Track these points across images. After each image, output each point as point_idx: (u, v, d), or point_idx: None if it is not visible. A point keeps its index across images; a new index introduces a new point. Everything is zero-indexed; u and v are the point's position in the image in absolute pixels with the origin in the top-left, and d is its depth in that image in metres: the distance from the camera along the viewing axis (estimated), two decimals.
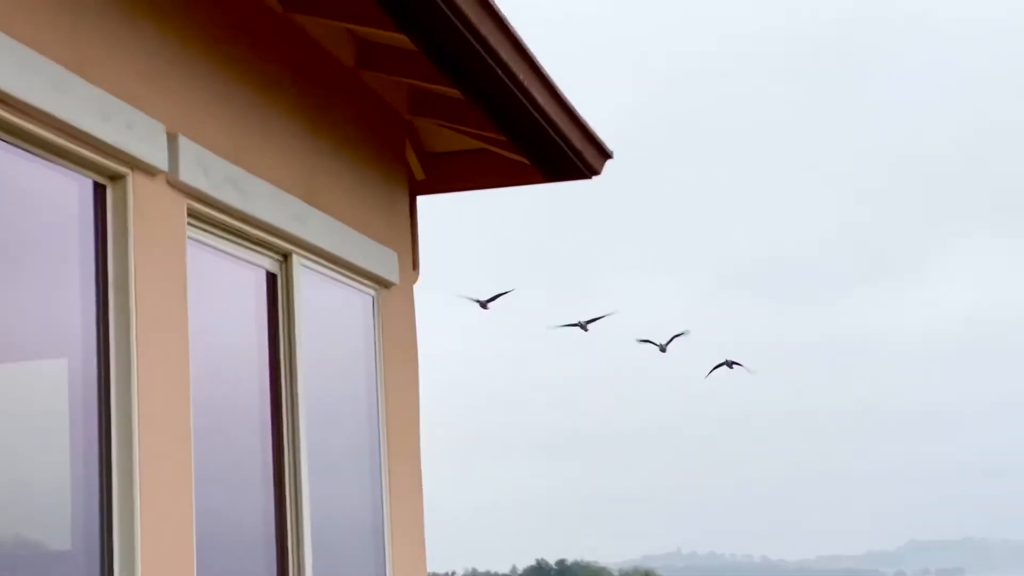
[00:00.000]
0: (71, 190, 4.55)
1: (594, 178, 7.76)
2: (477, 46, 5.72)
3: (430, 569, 7.32)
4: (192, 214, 5.12)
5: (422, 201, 8.01)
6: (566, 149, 7.16)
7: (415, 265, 7.61)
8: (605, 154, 7.70)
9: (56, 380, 4.63)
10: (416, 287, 7.51)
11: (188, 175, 4.95)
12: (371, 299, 6.75)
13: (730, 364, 25.86)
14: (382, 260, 6.72)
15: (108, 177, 4.62)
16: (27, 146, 4.24)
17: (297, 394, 5.80)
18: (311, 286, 6.07)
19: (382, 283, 6.77)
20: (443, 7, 5.31)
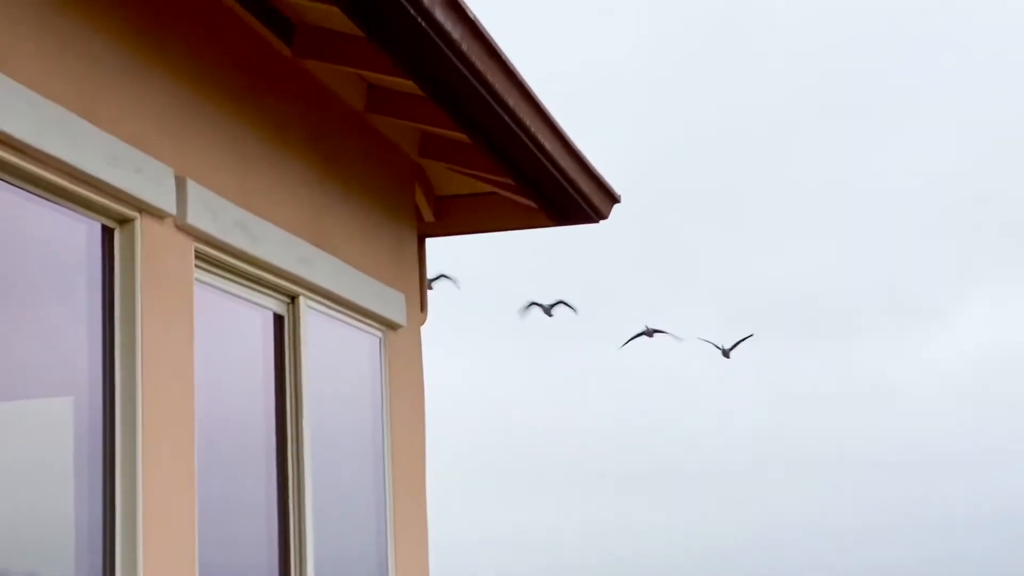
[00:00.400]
0: (80, 233, 4.62)
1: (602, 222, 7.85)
2: (484, 93, 5.79)
3: None
4: (200, 256, 5.18)
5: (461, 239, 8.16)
6: (574, 194, 7.23)
7: (423, 306, 7.68)
8: (613, 199, 7.77)
9: (62, 418, 4.69)
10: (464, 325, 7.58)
11: (196, 218, 5.02)
12: (378, 340, 6.81)
13: (650, 333, 23.67)
14: (389, 302, 6.78)
15: (117, 220, 4.69)
16: (38, 190, 4.32)
17: (303, 435, 5.85)
18: (318, 327, 6.13)
19: (389, 325, 6.83)
20: (451, 55, 5.38)
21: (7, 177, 4.17)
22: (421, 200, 7.77)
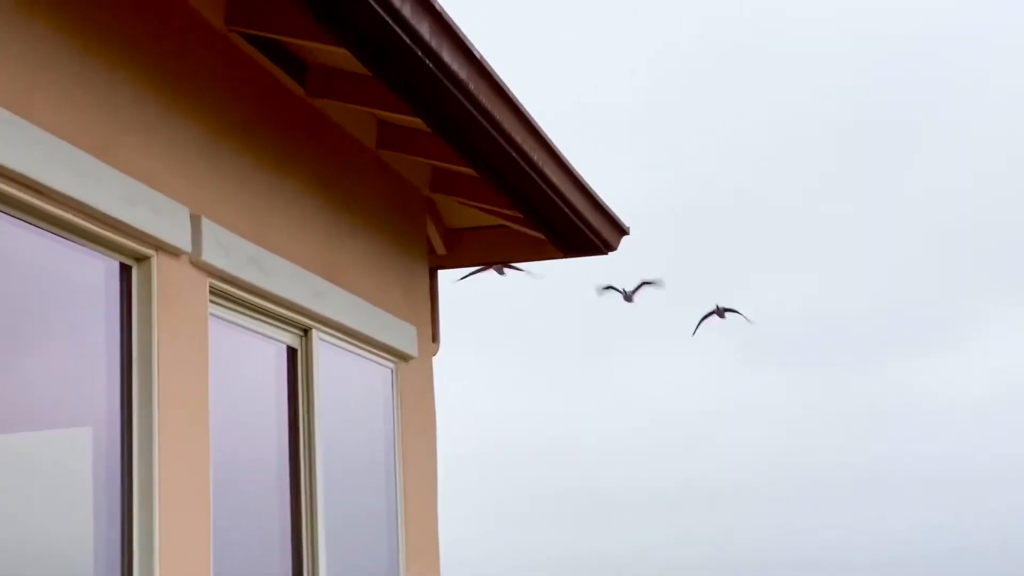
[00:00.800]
0: (99, 270, 4.76)
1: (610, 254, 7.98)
2: (492, 131, 5.93)
3: None
4: (215, 292, 5.33)
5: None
6: (582, 227, 7.37)
7: (435, 337, 7.81)
8: (622, 231, 7.90)
9: (81, 448, 4.84)
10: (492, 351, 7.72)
11: (210, 255, 5.17)
12: (390, 372, 6.94)
13: (721, 312, 21.91)
14: (401, 334, 6.92)
15: (133, 258, 4.84)
16: (57, 230, 4.47)
17: (316, 465, 5.98)
18: (331, 359, 6.27)
19: (401, 356, 6.97)
20: (458, 95, 5.53)
21: (28, 218, 4.32)
22: (433, 233, 7.92)
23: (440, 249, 8.09)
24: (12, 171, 4.10)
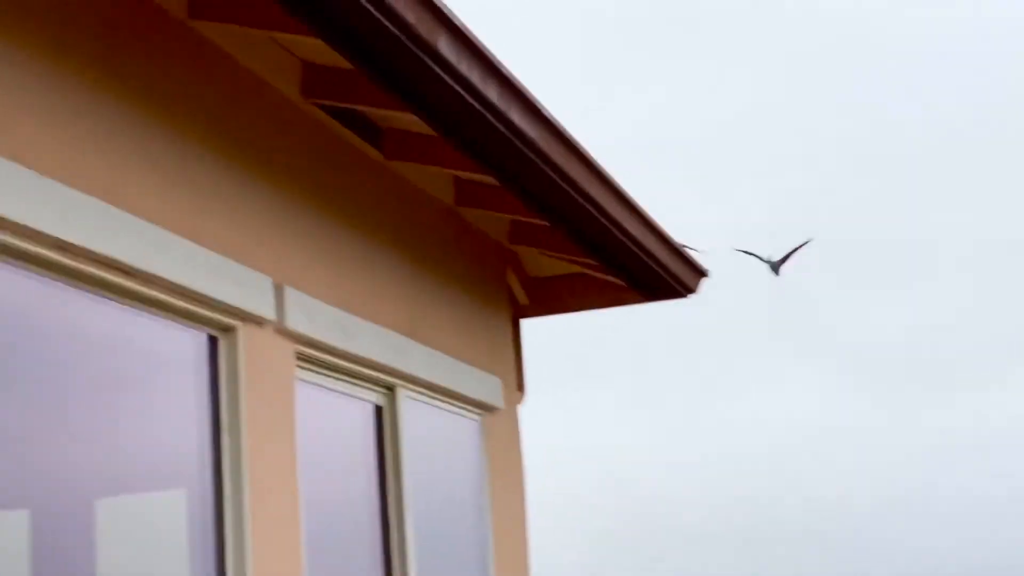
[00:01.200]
0: (188, 342, 4.93)
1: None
2: (567, 187, 6.04)
3: None
4: (300, 356, 5.48)
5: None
6: (661, 273, 7.45)
7: (520, 386, 7.92)
8: (701, 273, 7.97)
9: (176, 509, 5.00)
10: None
11: (295, 323, 5.32)
12: (476, 424, 7.06)
13: (776, 265, 19.99)
14: (485, 386, 7.03)
15: (220, 329, 5.00)
16: (148, 308, 4.64)
17: (405, 520, 6.10)
18: (416, 415, 6.39)
19: (486, 408, 7.08)
20: (531, 155, 5.64)
21: (120, 298, 4.49)
22: (514, 283, 8.03)
23: (522, 299, 8.20)
24: (106, 256, 4.28)
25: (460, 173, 6.62)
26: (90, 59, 4.38)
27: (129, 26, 4.61)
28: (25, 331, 4.15)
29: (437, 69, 4.78)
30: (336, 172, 5.94)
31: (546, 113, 5.60)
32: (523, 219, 7.17)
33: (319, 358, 5.60)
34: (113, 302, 4.47)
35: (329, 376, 5.75)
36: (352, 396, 5.97)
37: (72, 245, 4.14)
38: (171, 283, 4.60)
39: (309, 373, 5.59)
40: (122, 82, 4.53)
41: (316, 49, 5.38)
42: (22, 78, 4.05)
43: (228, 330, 5.02)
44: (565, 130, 5.79)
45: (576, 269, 8.05)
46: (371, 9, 4.33)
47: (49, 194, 4.06)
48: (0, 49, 3.99)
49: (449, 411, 6.79)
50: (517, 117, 5.39)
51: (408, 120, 6.02)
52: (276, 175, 5.43)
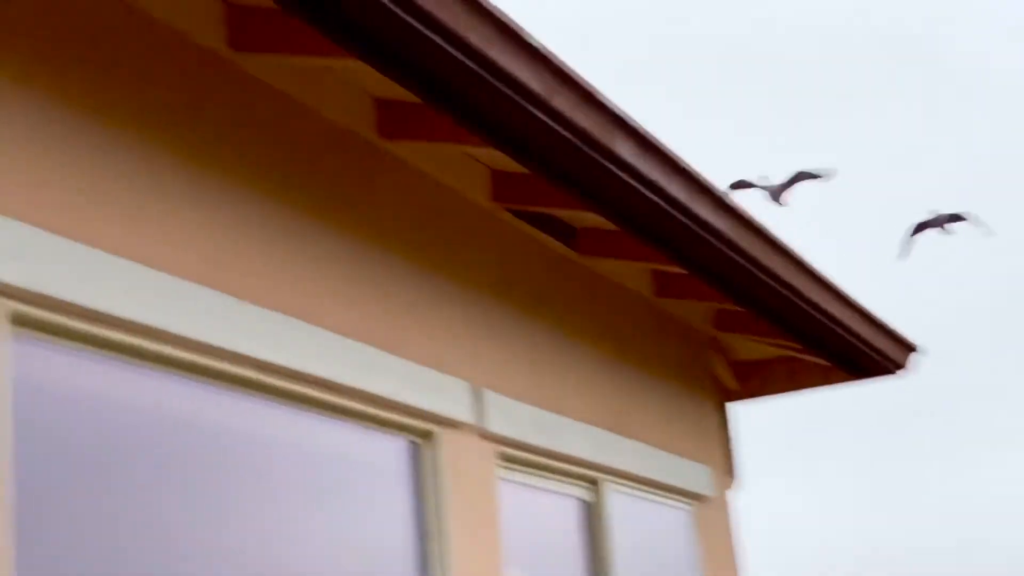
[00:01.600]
0: (390, 449, 5.07)
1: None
2: (767, 279, 6.03)
3: None
4: (502, 457, 5.57)
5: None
6: (867, 351, 7.36)
7: (731, 472, 7.88)
8: (910, 348, 7.84)
9: None
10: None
11: (495, 425, 5.42)
12: (686, 514, 7.04)
13: (942, 222, 16.68)
14: (694, 476, 7.02)
15: (420, 435, 5.13)
16: (350, 419, 4.80)
17: None
18: (623, 508, 6.42)
19: (695, 497, 7.07)
20: (727, 251, 5.66)
21: (325, 412, 4.66)
22: (721, 368, 8.02)
23: (730, 383, 8.18)
24: (309, 375, 4.46)
25: (656, 266, 6.66)
26: (299, 191, 4.57)
27: (332, 151, 4.80)
28: (235, 447, 4.33)
29: (615, 169, 4.86)
30: (529, 272, 6.05)
31: (739, 210, 5.62)
32: (724, 307, 7.17)
33: (521, 457, 5.69)
34: (315, 415, 4.64)
35: (532, 474, 5.83)
36: (557, 492, 6.04)
37: (274, 365, 4.32)
38: (371, 395, 4.75)
39: (511, 472, 5.68)
40: (328, 208, 4.72)
41: (504, 158, 5.51)
42: (242, 214, 4.25)
43: (428, 435, 5.15)
44: (754, 219, 5.80)
45: (783, 352, 8.00)
46: (547, 120, 4.44)
47: (252, 319, 4.25)
48: (244, 193, 4.20)
49: (657, 502, 6.79)
50: (706, 213, 5.43)
51: (599, 218, 6.10)
52: (472, 283, 5.55)
